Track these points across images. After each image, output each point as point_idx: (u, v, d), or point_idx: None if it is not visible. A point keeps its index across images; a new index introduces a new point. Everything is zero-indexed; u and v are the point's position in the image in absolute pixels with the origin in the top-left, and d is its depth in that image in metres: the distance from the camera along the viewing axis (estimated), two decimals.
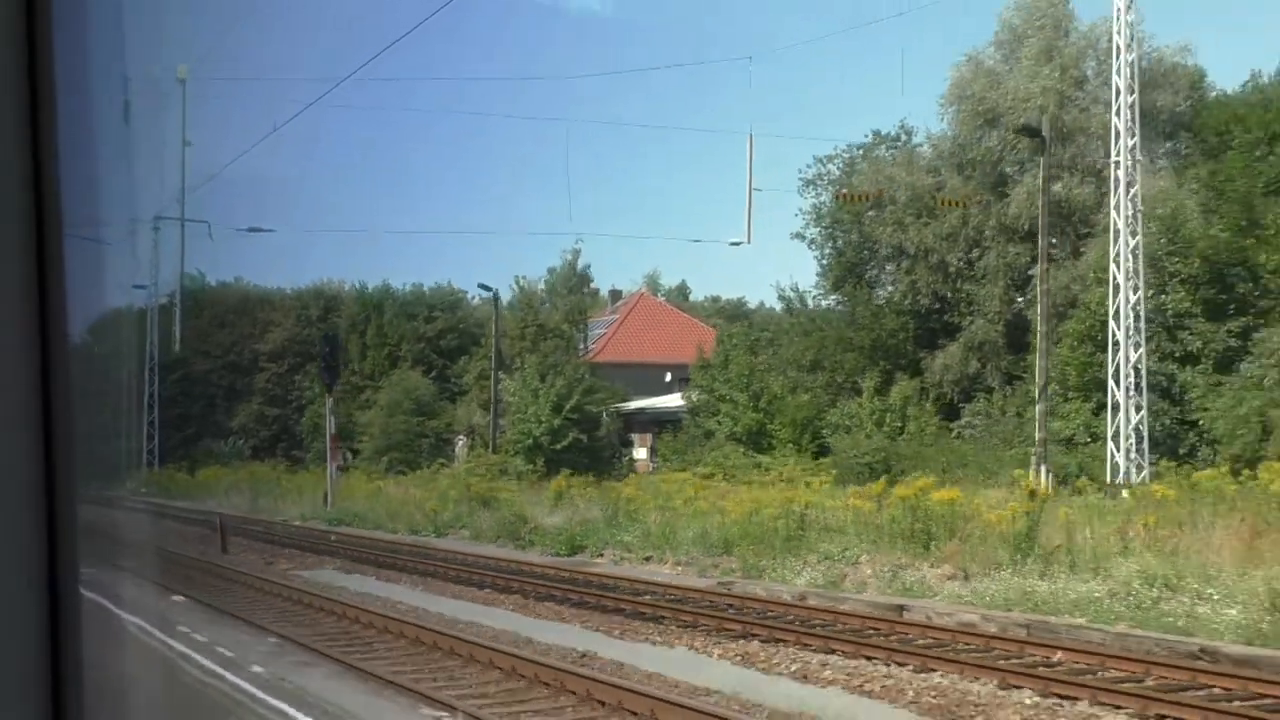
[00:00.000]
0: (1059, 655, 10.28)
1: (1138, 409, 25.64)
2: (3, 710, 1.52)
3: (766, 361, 38.00)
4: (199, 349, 63.01)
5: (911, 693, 9.12)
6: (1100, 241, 30.80)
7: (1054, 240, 35.71)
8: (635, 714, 8.45)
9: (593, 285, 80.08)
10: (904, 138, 38.16)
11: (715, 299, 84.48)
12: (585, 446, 43.47)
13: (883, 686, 9.36)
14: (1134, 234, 25.77)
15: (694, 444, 37.13)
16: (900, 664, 10.33)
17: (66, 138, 1.57)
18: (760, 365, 37.06)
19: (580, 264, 56.32)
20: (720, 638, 11.92)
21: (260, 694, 9.29)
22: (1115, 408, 25.64)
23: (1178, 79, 36.48)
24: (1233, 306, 28.60)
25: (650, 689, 9.11)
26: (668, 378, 52.59)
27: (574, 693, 9.24)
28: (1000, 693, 9.34)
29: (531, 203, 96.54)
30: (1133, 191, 25.81)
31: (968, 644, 11.16)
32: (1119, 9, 25.99)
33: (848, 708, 8.80)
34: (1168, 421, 27.79)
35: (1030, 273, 33.25)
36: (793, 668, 10.18)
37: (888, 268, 37.30)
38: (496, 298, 46.33)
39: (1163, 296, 28.86)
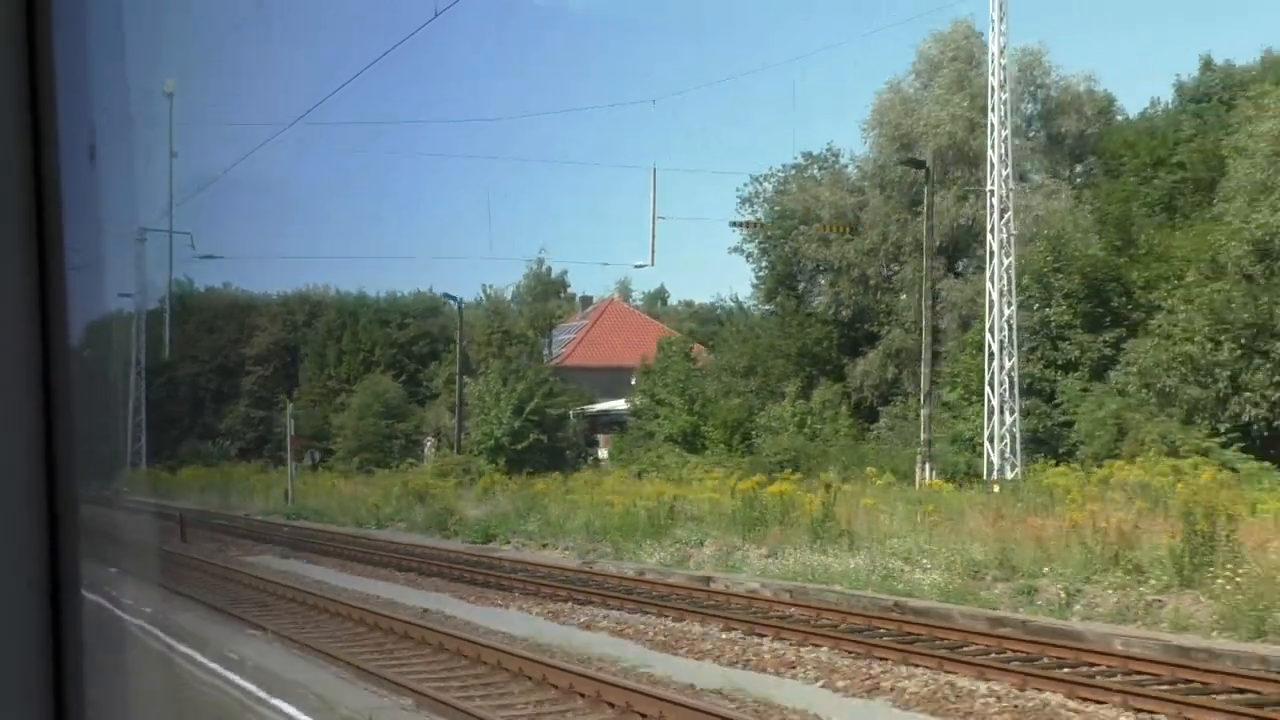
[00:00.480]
0: (792, 610, 13.16)
1: (1014, 412, 28.49)
2: (4, 709, 1.53)
3: (706, 366, 40.89)
4: (187, 354, 65.69)
5: (651, 633, 12.02)
6: (1030, 255, 33.64)
7: (964, 256, 38.68)
8: (429, 645, 11.36)
9: (569, 290, 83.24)
10: (831, 159, 41.02)
11: (689, 303, 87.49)
12: (546, 446, 46.26)
13: (636, 630, 12.26)
14: (1008, 255, 28.60)
15: (637, 444, 40.01)
16: (664, 616, 13.24)
17: (67, 148, 1.59)
18: (697, 370, 39.93)
19: (556, 270, 59.48)
20: (548, 601, 14.81)
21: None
22: (993, 412, 28.50)
23: (1084, 105, 39.31)
24: (1108, 319, 31.39)
25: (456, 631, 12.00)
26: (634, 381, 55.52)
27: (398, 634, 12.16)
28: (723, 634, 12.24)
29: (507, 216, 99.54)
30: (1006, 217, 28.65)
31: (738, 604, 14.02)
32: (993, 54, 28.88)
33: (601, 644, 11.69)
34: (1049, 423, 30.59)
35: (939, 287, 36.07)
36: (581, 619, 13.08)
37: (815, 280, 40.14)
38: (460, 307, 49.20)
39: (1047, 310, 31.69)
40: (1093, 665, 10.44)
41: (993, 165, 28.74)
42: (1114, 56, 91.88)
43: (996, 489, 25.69)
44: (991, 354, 28.55)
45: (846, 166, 40.77)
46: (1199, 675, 9.89)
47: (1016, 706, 9.25)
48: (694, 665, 10.56)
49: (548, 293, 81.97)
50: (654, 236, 29.71)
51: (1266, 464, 26.28)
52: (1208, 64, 37.03)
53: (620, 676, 9.81)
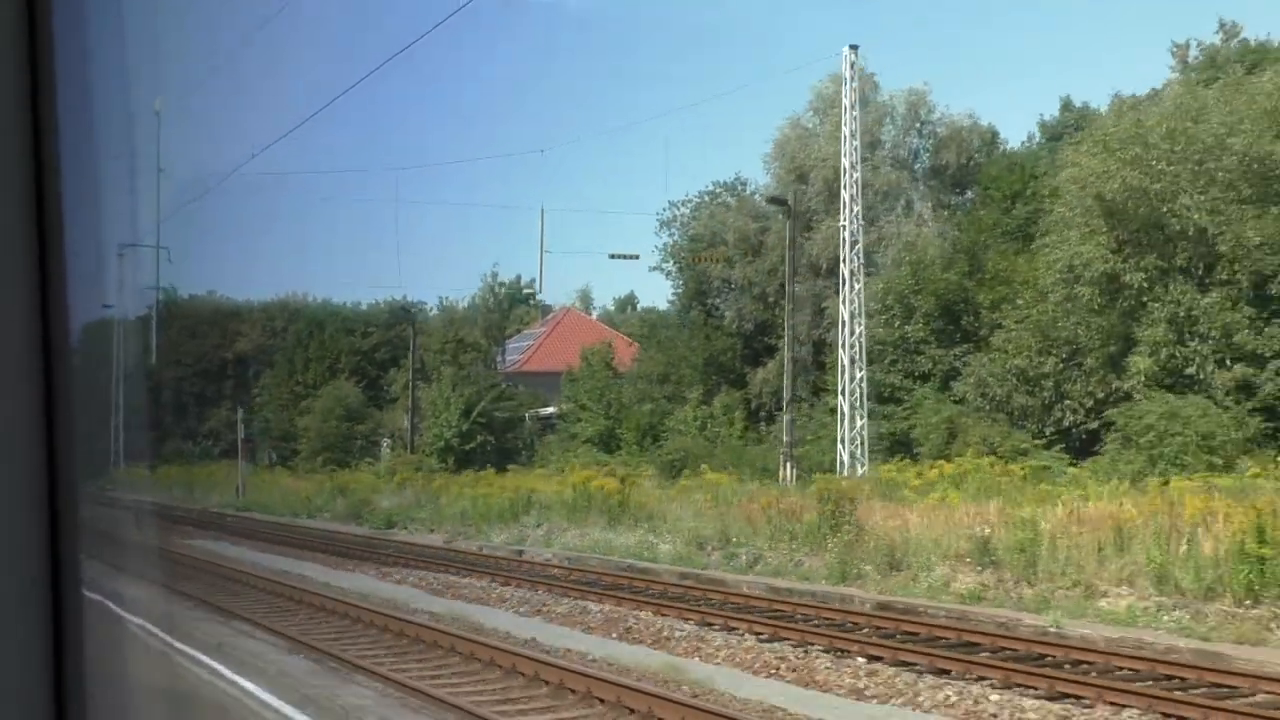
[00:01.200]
0: (555, 571, 17.56)
1: (863, 418, 32.80)
2: (5, 708, 1.53)
3: (627, 374, 45.28)
4: (172, 358, 69.92)
5: (440, 587, 16.41)
6: (873, 279, 37.94)
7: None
8: (280, 595, 15.74)
9: (538, 298, 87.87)
10: (740, 187, 45.38)
11: (651, 310, 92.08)
12: (495, 446, 50.60)
13: (426, 583, 16.64)
14: (858, 280, 32.94)
15: (562, 445, 44.41)
16: (466, 575, 17.61)
17: (69, 161, 1.61)
18: (616, 379, 44.31)
19: (525, 279, 64.00)
20: (394, 568, 19.21)
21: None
22: (844, 417, 32.82)
23: (966, 140, 43.59)
24: (958, 335, 35.73)
25: (302, 585, 16.35)
26: (561, 387, 59.95)
27: (259, 588, 16.56)
28: (508, 589, 16.59)
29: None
30: (856, 247, 32.98)
31: (527, 568, 18.42)
32: (845, 106, 33.21)
33: (399, 591, 16.06)
34: (904, 426, 34.89)
35: (824, 305, 40.38)
36: (397, 578, 17.50)
37: (722, 296, 44.51)
38: (413, 320, 53.59)
39: (906, 327, 36.04)
40: (718, 600, 14.86)
41: (845, 204, 33.08)
42: (1006, 94, 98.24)
43: (844, 483, 30.02)
44: (843, 367, 32.88)
45: (754, 194, 45.09)
46: (778, 603, 14.31)
47: (656, 629, 13.62)
48: (447, 603, 14.94)
49: (515, 300, 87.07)
50: (541, 269, 33.91)
51: (1077, 461, 30.53)
52: (1066, 104, 41.35)
53: (387, 608, 14.22)
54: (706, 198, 45.88)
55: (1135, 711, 9.35)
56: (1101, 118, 36.68)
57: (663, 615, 13.93)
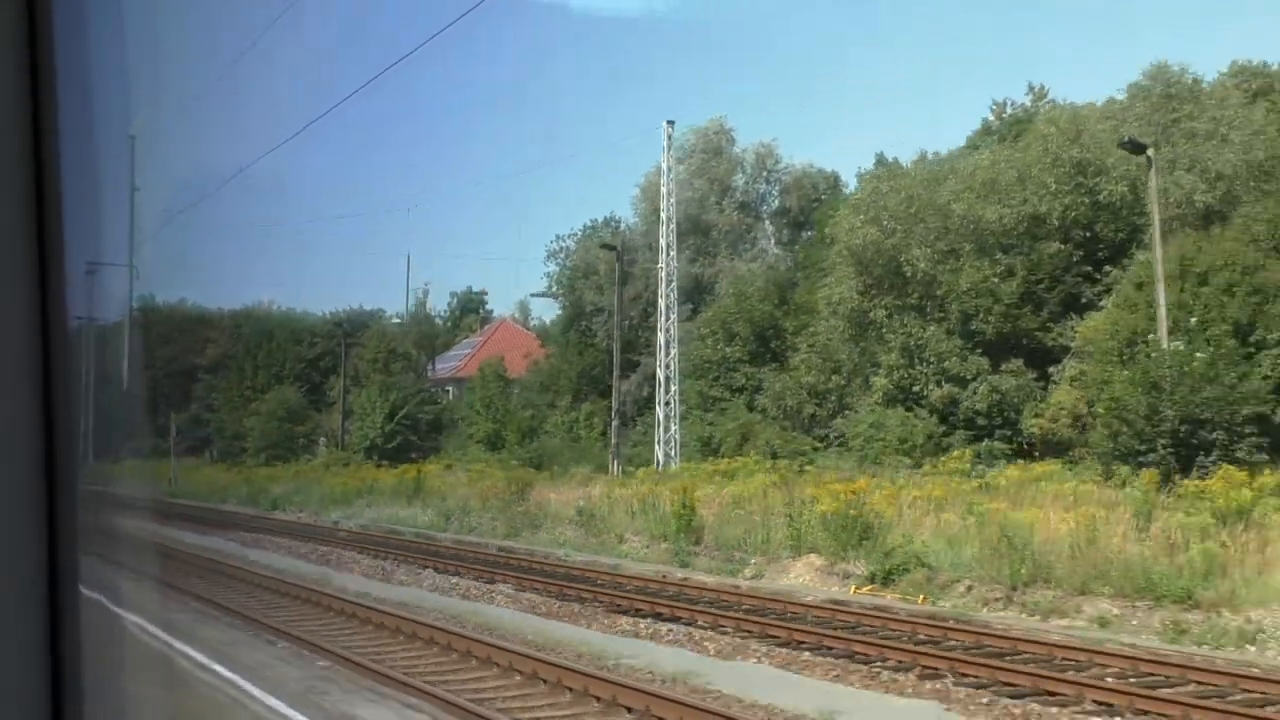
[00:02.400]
0: (346, 535, 25.14)
1: (675, 424, 40.32)
2: (4, 707, 1.55)
3: (515, 382, 52.81)
4: (145, 363, 77.16)
5: (249, 540, 23.91)
6: (719, 308, 45.46)
7: (693, 302, 50.47)
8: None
9: (488, 307, 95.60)
10: (614, 224, 52.91)
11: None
12: (417, 445, 58.11)
13: (256, 542, 24.13)
14: (672, 311, 40.46)
15: (459, 444, 51.94)
16: (284, 537, 25.08)
17: (69, 166, 1.63)
18: (505, 386, 51.86)
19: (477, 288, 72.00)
20: (249, 534, 26.69)
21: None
22: (661, 423, 40.33)
23: (804, 185, 51.12)
24: (768, 355, 43.24)
25: (189, 550, 23.80)
26: (461, 394, 67.32)
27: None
28: (350, 553, 24.04)
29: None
30: (672, 284, 40.50)
31: (339, 535, 25.90)
32: (664, 169, 40.73)
33: (234, 549, 23.58)
34: (721, 432, 42.34)
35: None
36: (244, 540, 25.03)
37: (596, 319, 52.05)
38: (345, 333, 61.09)
39: (726, 348, 43.53)
40: (427, 548, 22.34)
41: (663, 249, 40.63)
42: (853, 142, 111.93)
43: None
44: (660, 383, 40.40)
45: (625, 230, 52.62)
46: (464, 550, 21.83)
47: (370, 565, 21.10)
48: (261, 553, 22.48)
49: (466, 309, 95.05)
50: (408, 297, 41.30)
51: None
52: (880, 159, 48.88)
53: (220, 557, 21.79)
54: (587, 233, 53.41)
55: (583, 596, 16.84)
56: (904, 171, 44.19)
57: (378, 558, 21.41)
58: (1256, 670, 11.30)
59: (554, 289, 52.69)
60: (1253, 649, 12.38)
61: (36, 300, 1.60)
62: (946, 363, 35.38)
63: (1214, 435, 22.87)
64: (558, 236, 53.81)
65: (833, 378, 39.84)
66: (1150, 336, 27.15)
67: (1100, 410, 25.32)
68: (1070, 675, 11.16)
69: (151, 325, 78.20)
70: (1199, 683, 10.94)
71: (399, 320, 66.61)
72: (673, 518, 20.30)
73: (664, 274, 40.53)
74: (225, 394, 68.77)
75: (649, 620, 14.68)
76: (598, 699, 10.55)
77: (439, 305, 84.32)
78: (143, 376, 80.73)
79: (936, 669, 11.68)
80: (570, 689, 10.98)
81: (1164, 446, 22.94)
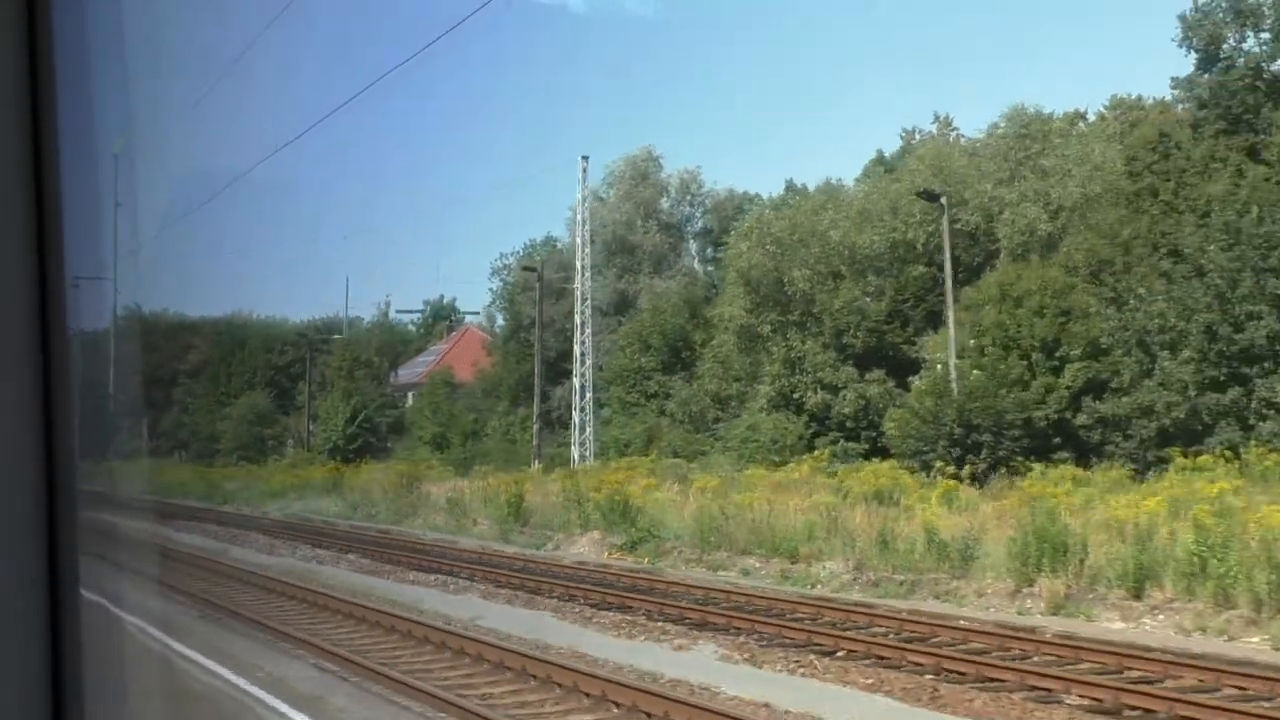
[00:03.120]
0: (271, 525, 29.73)
1: (588, 426, 44.93)
2: (5, 708, 1.55)
3: (461, 389, 57.46)
4: (130, 368, 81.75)
5: (209, 533, 28.48)
6: (637, 321, 50.09)
7: (622, 318, 55.03)
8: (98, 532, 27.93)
9: (458, 315, 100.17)
10: (551, 244, 57.58)
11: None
12: (376, 447, 62.76)
13: (196, 531, 28.71)
14: (587, 327, 45.09)
15: (409, 446, 56.59)
16: (220, 525, 29.68)
17: (69, 167, 1.65)
18: (452, 393, 56.51)
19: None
20: (189, 522, 31.23)
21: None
22: (578, 426, 44.96)
23: (724, 208, 55.69)
24: (678, 365, 47.85)
25: (135, 535, 28.44)
26: (412, 400, 71.67)
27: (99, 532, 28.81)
28: (257, 534, 28.60)
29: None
30: (586, 302, 45.12)
31: (263, 523, 30.48)
32: (580, 199, 45.37)
33: (178, 535, 28.18)
34: (630, 434, 46.91)
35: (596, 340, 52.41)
36: (192, 530, 29.60)
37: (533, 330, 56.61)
38: (310, 345, 65.78)
39: (642, 358, 48.12)
40: (330, 532, 26.90)
41: (579, 270, 45.25)
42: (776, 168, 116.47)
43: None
44: (576, 390, 45.03)
45: (561, 250, 57.26)
46: (355, 532, 26.40)
47: (294, 549, 25.70)
48: (190, 536, 27.03)
49: (439, 316, 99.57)
50: (346, 316, 45.92)
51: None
52: (790, 185, 53.54)
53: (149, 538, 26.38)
54: (527, 251, 58.08)
55: (404, 561, 21.39)
56: (792, 200, 48.81)
57: (274, 538, 25.94)
58: (812, 596, 16.03)
59: (495, 304, 57.31)
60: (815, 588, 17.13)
61: (35, 305, 1.60)
62: (821, 373, 39.93)
63: (983, 437, 27.45)
64: (501, 254, 58.44)
65: (733, 384, 44.44)
66: (964, 349, 31.80)
67: (896, 415, 29.93)
68: (694, 606, 15.87)
69: (136, 334, 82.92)
70: (769, 607, 15.60)
71: (347, 332, 71.26)
72: (505, 505, 24.97)
73: (579, 294, 45.16)
74: (201, 399, 73.40)
75: (444, 576, 19.39)
76: (379, 625, 15.15)
77: (414, 313, 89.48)
78: (129, 382, 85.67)
79: (617, 603, 16.35)
80: (360, 620, 15.60)
81: (943, 446, 27.52)
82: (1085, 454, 31.36)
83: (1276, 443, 26.58)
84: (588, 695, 10.67)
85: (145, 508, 35.35)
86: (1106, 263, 35.45)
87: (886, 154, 53.84)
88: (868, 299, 40.44)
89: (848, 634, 13.76)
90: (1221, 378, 29.00)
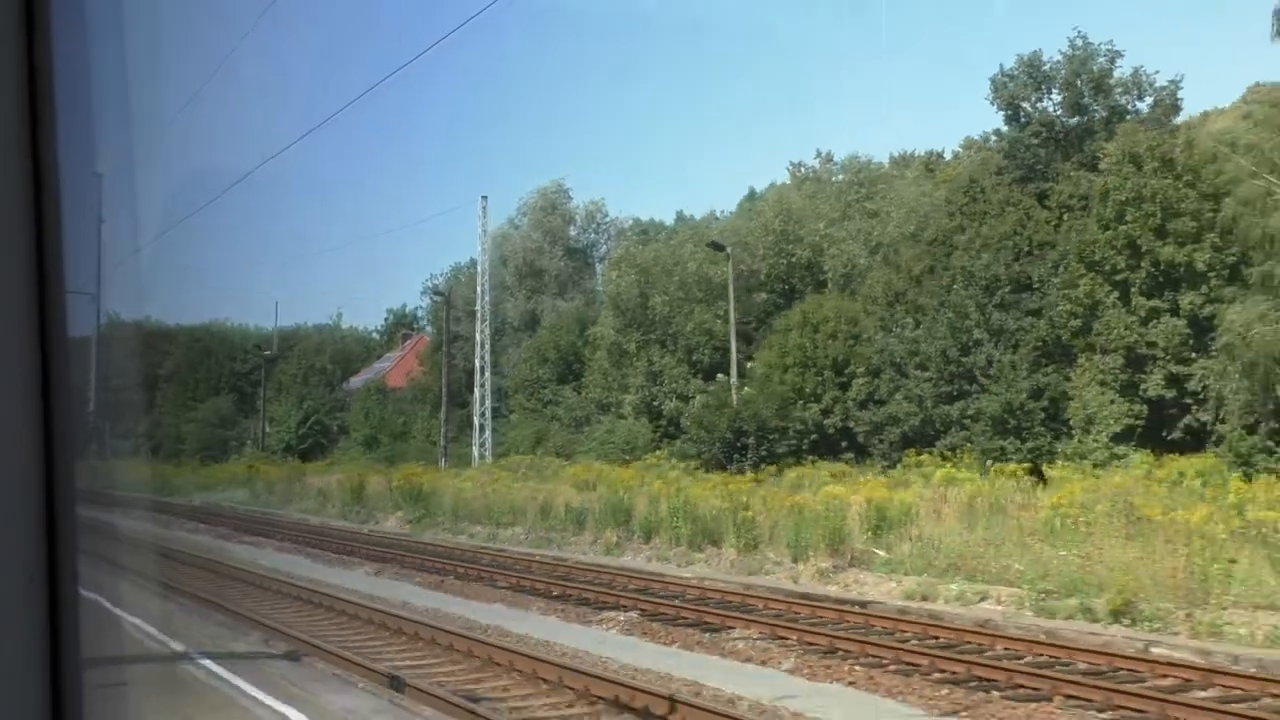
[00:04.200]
0: (198, 511, 36.90)
1: (485, 430, 52.09)
2: (3, 707, 1.57)
3: (393, 395, 64.67)
4: (112, 374, 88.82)
5: (131, 515, 35.69)
6: (538, 338, 57.29)
7: (530, 334, 62.16)
8: None
9: (418, 323, 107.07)
10: (472, 267, 64.67)
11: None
12: (325, 447, 69.95)
13: (117, 515, 35.94)
14: (484, 346, 52.28)
15: (346, 447, 63.83)
16: (145, 510, 36.85)
17: (67, 170, 1.66)
18: (384, 398, 63.74)
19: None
20: (121, 508, 38.43)
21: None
22: (479, 429, 52.14)
23: (630, 234, 62.80)
24: (571, 377, 55.02)
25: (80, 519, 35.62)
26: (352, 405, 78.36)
27: None
28: (165, 515, 35.72)
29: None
30: (485, 323, 52.31)
31: (191, 509, 37.60)
32: (480, 233, 52.56)
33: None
34: (520, 436, 54.06)
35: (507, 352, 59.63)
36: (116, 514, 36.83)
37: (458, 344, 63.84)
38: (265, 358, 73.03)
39: (540, 370, 55.30)
40: (232, 518, 34.02)
41: (480, 294, 52.42)
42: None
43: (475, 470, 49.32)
44: (478, 398, 52.17)
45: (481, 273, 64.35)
46: (248, 515, 33.56)
47: (211, 531, 32.85)
48: (133, 523, 34.15)
49: (400, 322, 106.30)
50: (276, 337, 53.10)
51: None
52: (680, 215, 60.71)
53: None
54: (454, 272, 65.30)
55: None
56: (696, 224, 55.97)
57: (174, 516, 33.01)
58: (491, 549, 23.30)
59: (425, 320, 64.44)
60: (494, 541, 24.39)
61: (35, 309, 1.62)
62: (675, 384, 47.12)
63: (749, 440, 34.61)
64: (431, 275, 65.55)
65: (613, 393, 51.61)
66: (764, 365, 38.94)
67: (689, 422, 37.11)
68: (434, 559, 23.06)
69: (118, 342, 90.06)
70: (460, 554, 22.75)
71: (278, 346, 78.40)
72: (349, 492, 32.26)
73: (479, 316, 52.35)
74: (170, 403, 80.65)
75: (279, 542, 26.62)
76: (205, 568, 22.26)
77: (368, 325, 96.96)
78: (107, 387, 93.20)
79: (379, 555, 23.52)
80: (194, 565, 22.76)
81: (717, 447, 34.69)
82: (863, 453, 38.67)
83: (976, 445, 33.73)
84: (319, 605, 17.81)
85: (93, 498, 42.60)
86: (899, 294, 42.57)
87: (770, 187, 60.96)
88: (718, 320, 47.60)
89: (481, 565, 21.12)
90: (954, 393, 36.15)
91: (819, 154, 60.07)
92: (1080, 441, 30.16)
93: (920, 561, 16.43)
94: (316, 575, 19.89)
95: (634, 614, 15.82)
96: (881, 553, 17.42)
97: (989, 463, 30.58)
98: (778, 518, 19.64)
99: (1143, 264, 31.31)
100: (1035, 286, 36.94)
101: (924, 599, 15.68)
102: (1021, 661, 12.42)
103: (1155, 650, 12.66)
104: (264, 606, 17.45)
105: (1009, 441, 32.69)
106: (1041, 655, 12.69)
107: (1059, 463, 29.79)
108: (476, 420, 51.91)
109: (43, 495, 1.63)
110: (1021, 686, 11.17)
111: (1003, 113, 45.84)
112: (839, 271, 46.50)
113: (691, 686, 11.08)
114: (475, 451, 51.68)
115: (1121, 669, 11.88)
